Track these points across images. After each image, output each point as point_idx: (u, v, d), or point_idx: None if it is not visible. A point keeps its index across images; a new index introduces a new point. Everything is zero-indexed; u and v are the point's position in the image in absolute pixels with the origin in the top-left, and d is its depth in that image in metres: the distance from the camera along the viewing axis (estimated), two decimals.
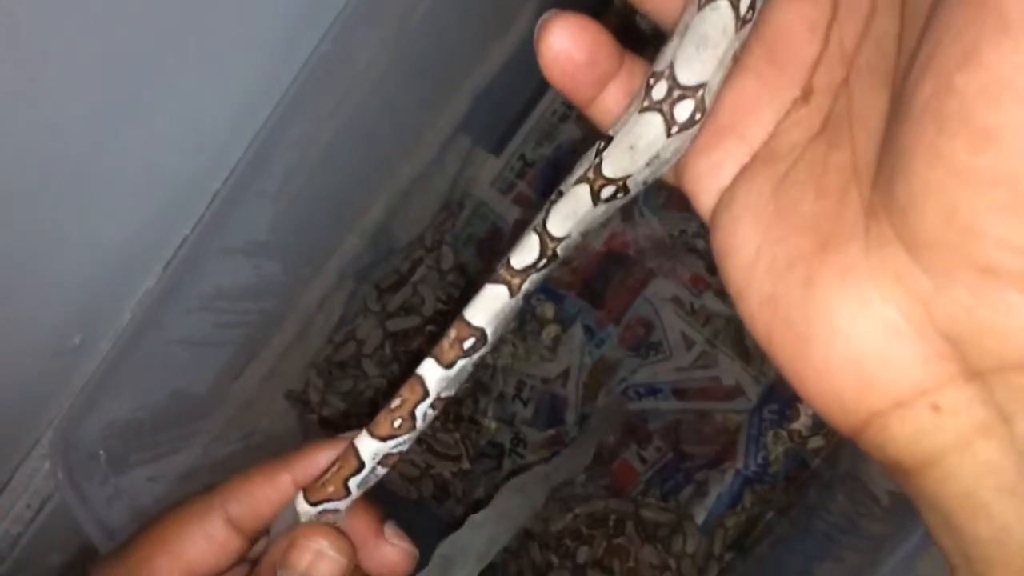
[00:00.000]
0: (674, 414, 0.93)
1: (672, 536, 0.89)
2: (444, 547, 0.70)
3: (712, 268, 0.92)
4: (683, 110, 0.25)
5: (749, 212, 0.24)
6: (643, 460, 0.93)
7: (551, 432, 0.96)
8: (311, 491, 0.32)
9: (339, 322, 0.90)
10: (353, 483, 0.32)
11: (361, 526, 0.35)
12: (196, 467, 0.71)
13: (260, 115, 0.56)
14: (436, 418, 0.85)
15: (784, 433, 0.88)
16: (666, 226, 0.93)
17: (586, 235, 0.29)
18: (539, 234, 0.28)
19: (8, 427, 0.63)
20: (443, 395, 0.31)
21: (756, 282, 0.23)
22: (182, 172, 0.58)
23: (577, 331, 0.95)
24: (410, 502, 0.92)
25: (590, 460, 0.92)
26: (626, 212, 0.94)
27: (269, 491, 0.34)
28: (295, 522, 0.34)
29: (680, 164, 0.27)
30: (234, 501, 0.35)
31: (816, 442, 0.87)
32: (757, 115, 0.25)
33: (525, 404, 0.96)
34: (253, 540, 0.36)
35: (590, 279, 0.95)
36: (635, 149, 0.26)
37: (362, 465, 0.31)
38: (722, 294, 0.92)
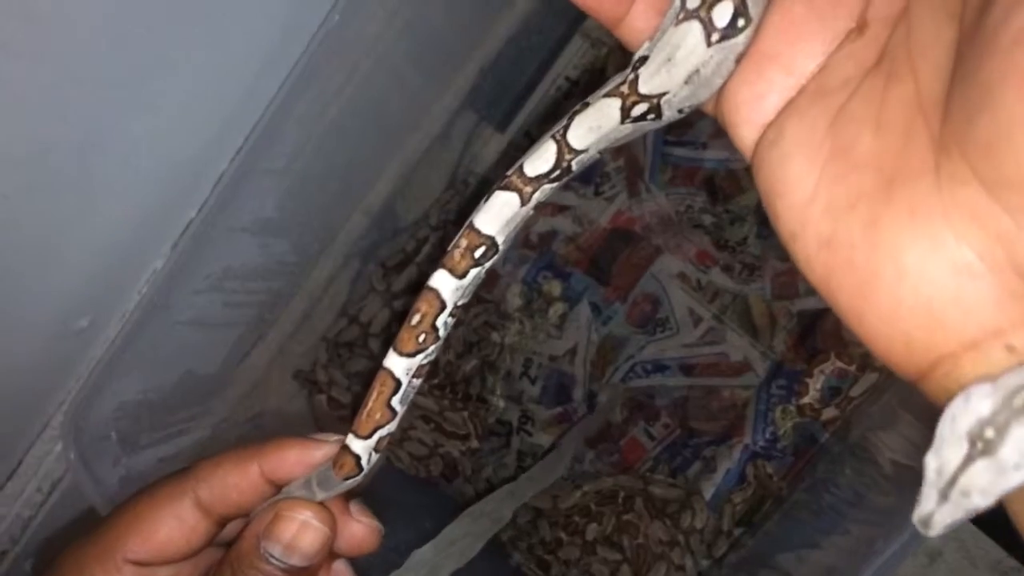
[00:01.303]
0: (682, 390, 0.93)
1: (681, 512, 0.89)
2: None
3: (719, 244, 0.91)
4: (722, 13, 0.23)
5: (801, 149, 0.23)
6: (651, 437, 0.93)
7: (559, 410, 0.96)
8: (360, 425, 0.32)
9: (346, 302, 0.90)
10: (395, 401, 0.32)
11: (329, 504, 0.36)
12: (206, 448, 0.71)
13: (266, 93, 0.56)
14: (445, 395, 0.84)
15: (792, 408, 0.88)
16: (672, 202, 0.93)
17: (603, 153, 0.28)
18: (557, 143, 0.27)
19: (18, 410, 0.63)
20: (459, 303, 0.30)
21: (813, 223, 0.22)
22: (188, 152, 0.58)
23: (584, 308, 0.95)
24: (419, 481, 0.92)
25: (564, 471, 0.92)
26: (632, 188, 0.94)
27: (239, 478, 0.35)
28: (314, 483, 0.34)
29: (720, 93, 0.26)
30: (205, 486, 0.35)
31: (829, 413, 0.86)
32: (805, 45, 0.24)
33: (533, 382, 0.96)
34: (222, 524, 0.36)
35: (596, 256, 0.95)
36: (673, 62, 0.24)
37: (399, 384, 0.32)
38: (729, 269, 0.91)
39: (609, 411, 0.93)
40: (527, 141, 0.93)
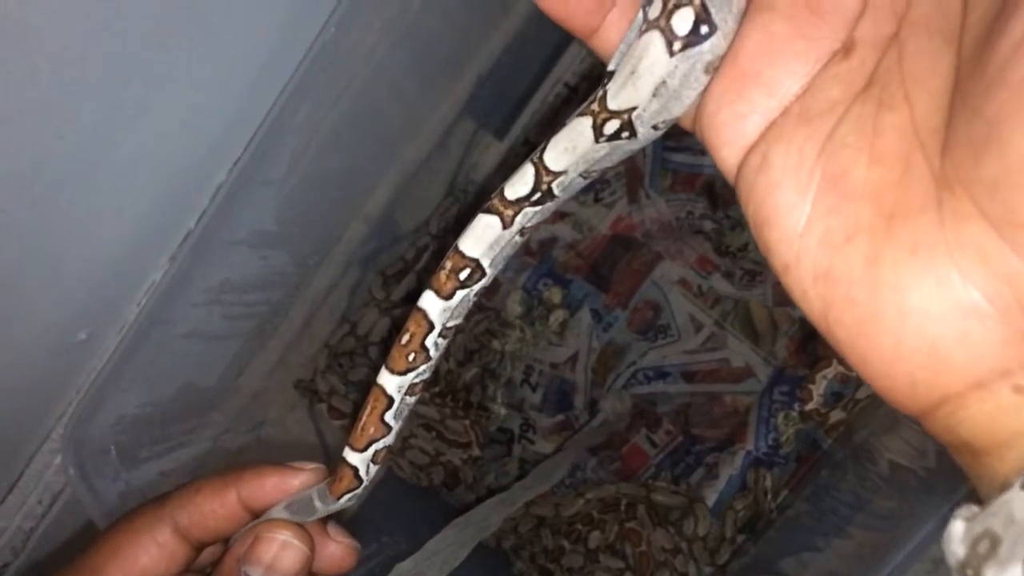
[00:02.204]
0: (683, 397, 0.92)
1: (684, 519, 0.88)
2: None
3: (720, 250, 0.91)
4: (682, 21, 0.22)
5: (790, 177, 0.22)
6: (653, 444, 0.93)
7: (560, 417, 0.95)
8: (355, 440, 0.33)
9: (345, 311, 0.90)
10: (389, 417, 0.32)
11: (308, 526, 0.36)
12: (207, 460, 0.70)
13: (263, 105, 0.56)
14: (446, 403, 0.84)
15: (795, 414, 0.88)
16: (672, 208, 0.93)
17: (587, 176, 0.27)
18: (535, 165, 0.27)
19: (18, 423, 0.63)
20: (449, 325, 0.31)
21: (809, 255, 0.21)
22: (186, 164, 0.58)
23: (585, 315, 0.95)
24: (420, 490, 0.92)
25: (559, 480, 0.91)
26: (632, 195, 0.94)
27: (216, 505, 0.36)
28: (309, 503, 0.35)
29: (698, 112, 0.25)
30: (183, 512, 0.36)
31: (836, 416, 0.86)
32: (788, 64, 0.23)
33: (534, 389, 0.96)
34: (199, 550, 0.37)
35: (597, 263, 0.95)
36: (637, 74, 0.24)
37: (391, 400, 0.32)
38: (730, 275, 0.91)
39: (615, 423, 0.93)
40: (526, 149, 0.93)
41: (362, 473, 0.34)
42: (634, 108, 0.24)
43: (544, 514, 0.92)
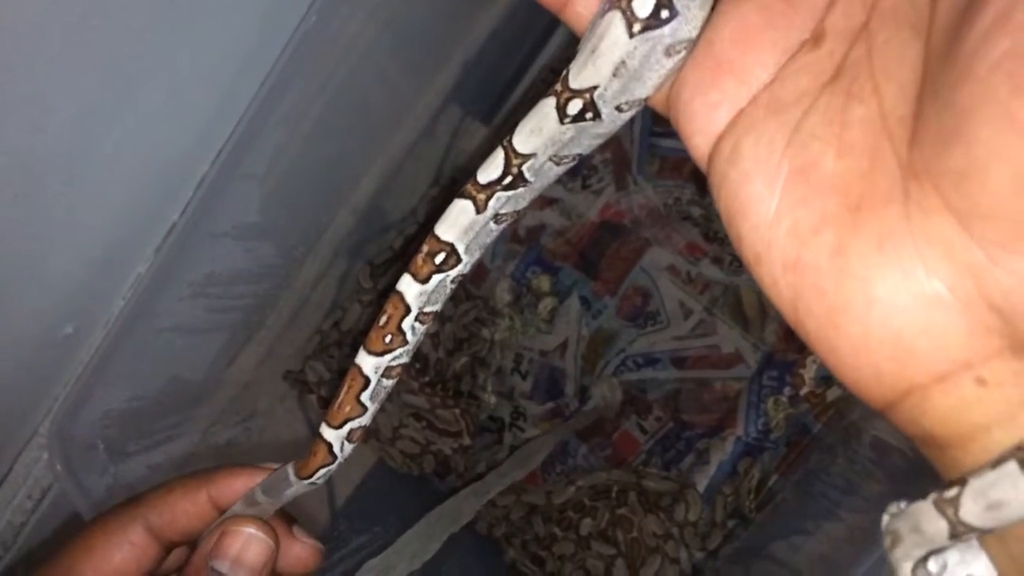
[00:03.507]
0: (673, 383, 0.93)
1: (674, 505, 0.89)
2: None
3: (708, 236, 0.91)
4: (643, 4, 0.22)
5: (760, 168, 0.22)
6: (643, 430, 0.93)
7: (551, 404, 0.95)
8: (332, 416, 0.33)
9: (334, 301, 0.89)
10: (365, 397, 0.33)
11: (274, 526, 0.37)
12: (195, 453, 0.70)
13: (246, 95, 0.55)
14: (436, 393, 0.84)
15: (784, 399, 0.88)
16: (660, 194, 0.93)
17: (560, 162, 0.27)
18: (504, 148, 0.27)
19: (5, 418, 0.63)
20: (426, 310, 0.31)
21: (778, 245, 0.21)
22: (169, 156, 0.57)
23: (574, 303, 0.95)
24: (412, 479, 0.92)
25: (537, 464, 0.92)
26: (620, 181, 0.93)
27: (187, 505, 0.37)
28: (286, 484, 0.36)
29: (673, 98, 0.25)
30: (155, 512, 0.37)
31: (834, 393, 0.86)
32: (759, 54, 0.23)
33: (524, 377, 0.96)
34: (169, 550, 0.38)
35: (585, 250, 0.95)
36: (597, 52, 0.24)
37: (368, 380, 0.32)
38: (719, 261, 0.91)
39: (605, 410, 0.93)
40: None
41: (336, 450, 0.34)
42: (595, 87, 0.24)
43: (535, 502, 0.92)
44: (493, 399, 0.96)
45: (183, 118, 0.56)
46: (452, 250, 0.29)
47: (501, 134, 0.92)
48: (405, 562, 0.70)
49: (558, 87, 0.25)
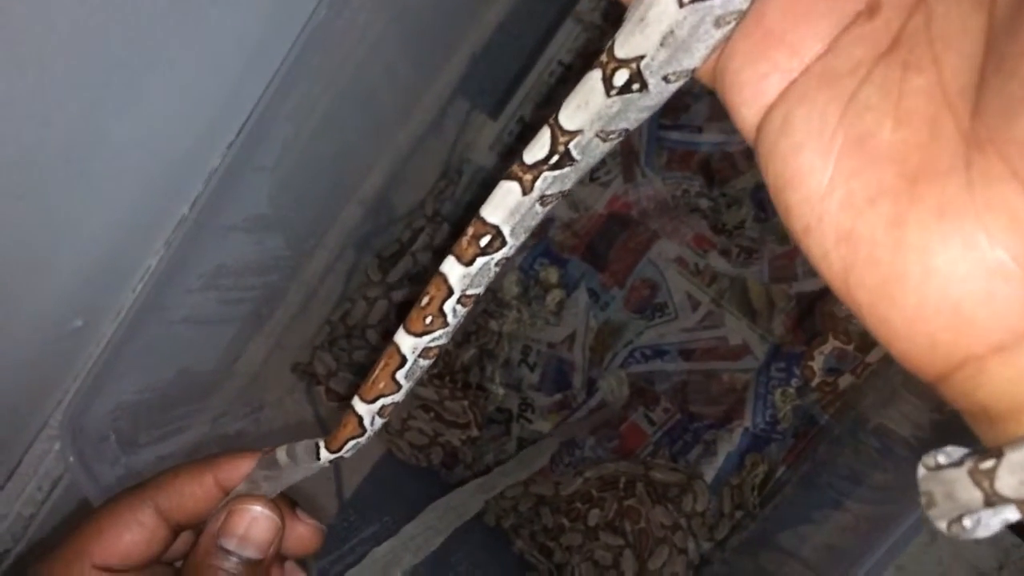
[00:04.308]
0: (681, 375, 0.93)
1: (682, 496, 0.89)
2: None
3: (716, 228, 0.91)
4: None
5: (813, 139, 0.22)
6: (651, 422, 0.93)
7: (558, 396, 0.95)
8: (365, 391, 0.33)
9: (342, 293, 0.89)
10: (400, 376, 0.33)
11: (279, 506, 0.38)
12: (205, 443, 0.71)
13: (256, 88, 0.55)
14: (444, 384, 0.84)
15: (792, 391, 0.88)
16: (669, 186, 0.92)
17: (607, 138, 0.26)
18: (551, 127, 0.26)
19: (15, 410, 0.63)
20: (469, 292, 0.30)
21: (831, 217, 0.21)
22: (178, 149, 0.57)
23: (582, 295, 0.95)
24: (420, 470, 0.92)
25: (543, 464, 0.92)
26: (628, 173, 0.93)
27: (194, 487, 0.37)
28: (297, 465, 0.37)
29: (720, 70, 0.24)
30: (163, 495, 0.37)
31: (847, 380, 0.86)
32: (812, 25, 0.22)
33: (532, 369, 0.96)
34: (177, 533, 0.38)
35: (593, 242, 0.95)
36: (646, 21, 0.23)
37: (404, 359, 0.32)
38: (727, 253, 0.91)
39: (613, 404, 0.93)
40: (520, 128, 0.93)
41: (366, 423, 0.34)
42: (642, 56, 0.24)
43: (543, 493, 0.92)
44: (501, 391, 0.96)
45: (193, 111, 0.56)
46: (497, 233, 0.29)
47: (509, 127, 0.92)
48: (410, 554, 0.70)
49: (603, 58, 0.25)
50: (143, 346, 0.58)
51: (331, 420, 0.87)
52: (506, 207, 0.28)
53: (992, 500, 0.19)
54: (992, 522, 0.19)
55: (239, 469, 0.38)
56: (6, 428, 0.64)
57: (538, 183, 0.27)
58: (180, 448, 0.67)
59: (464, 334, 0.94)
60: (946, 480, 0.20)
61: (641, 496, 0.89)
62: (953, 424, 0.22)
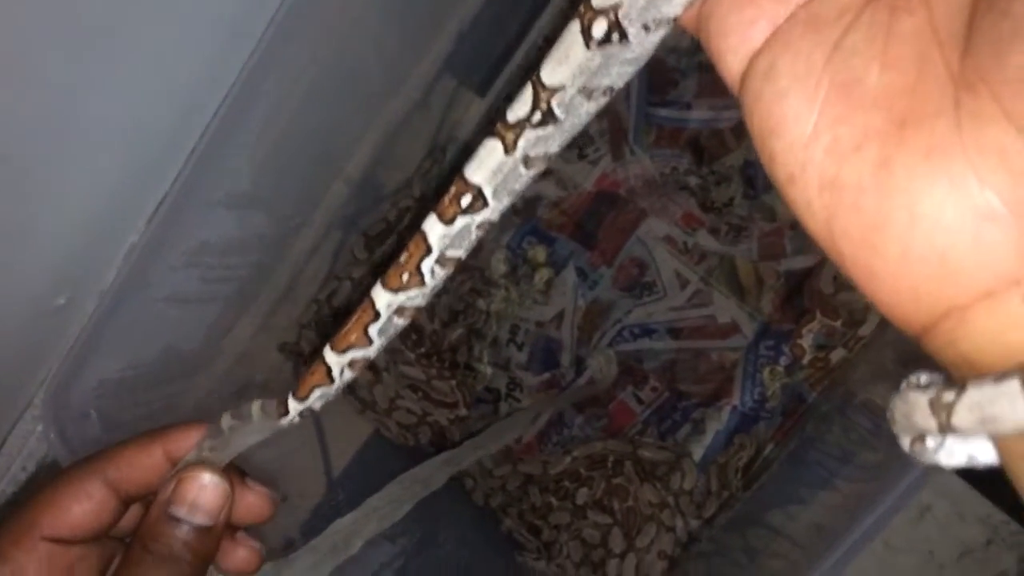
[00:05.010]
0: (669, 354, 0.93)
1: (670, 474, 0.89)
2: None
3: (705, 206, 0.91)
4: None
5: (798, 85, 0.21)
6: (640, 400, 0.93)
7: (547, 375, 0.95)
8: (336, 341, 0.33)
9: (328, 272, 0.89)
10: (373, 331, 0.32)
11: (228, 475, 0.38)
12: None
13: (237, 61, 0.54)
14: (432, 364, 0.84)
15: (780, 369, 0.88)
16: (657, 164, 0.92)
17: (590, 95, 0.26)
18: (532, 83, 0.26)
19: None
20: (448, 253, 0.30)
21: (815, 164, 0.21)
22: (159, 125, 0.57)
23: (570, 273, 0.95)
24: (408, 450, 0.92)
25: (517, 436, 0.92)
26: (616, 151, 0.93)
27: (144, 459, 0.38)
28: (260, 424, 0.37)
29: (705, 16, 0.24)
30: (112, 466, 0.38)
31: (838, 355, 0.86)
32: None
33: (520, 348, 0.96)
34: (127, 504, 0.39)
35: (581, 220, 0.94)
36: None
37: (378, 315, 0.32)
38: (715, 231, 0.91)
39: (601, 382, 0.93)
40: (507, 105, 0.92)
41: (335, 374, 0.34)
42: (618, 5, 0.23)
43: (532, 472, 0.92)
44: (489, 370, 0.96)
45: (171, 85, 0.56)
46: (479, 193, 0.28)
47: (497, 104, 0.91)
48: (372, 524, 0.70)
49: (581, 8, 0.24)
50: (126, 324, 0.58)
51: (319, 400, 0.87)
52: (488, 166, 0.28)
53: (945, 432, 0.19)
54: (957, 450, 0.19)
55: (188, 440, 0.38)
56: None
57: (521, 142, 0.27)
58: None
59: (451, 313, 0.94)
60: (908, 401, 0.20)
61: (629, 475, 0.89)
62: None
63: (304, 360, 0.88)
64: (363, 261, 0.90)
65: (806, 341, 0.86)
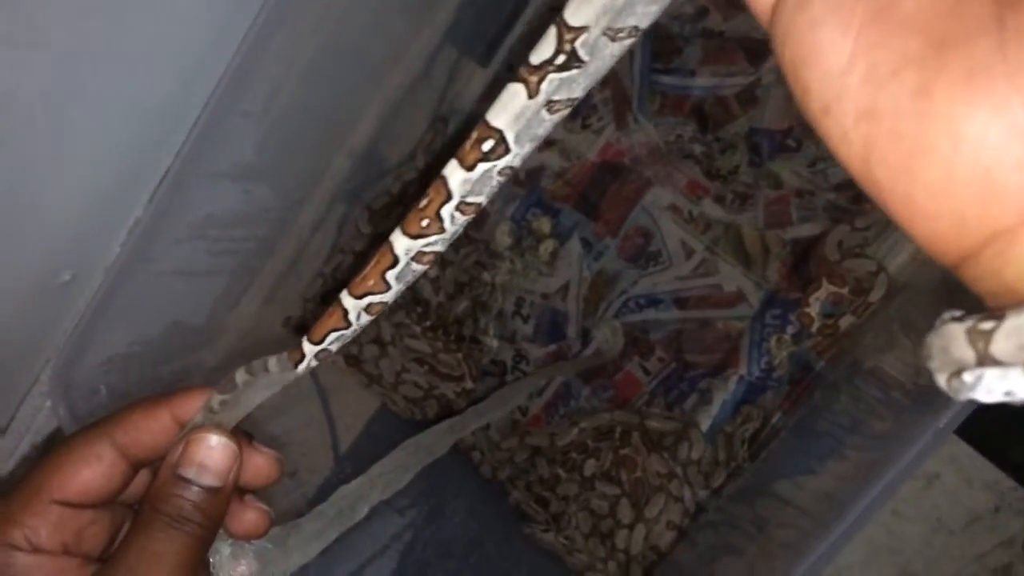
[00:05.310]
0: (675, 324, 0.92)
1: (678, 444, 0.89)
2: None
3: (710, 173, 0.90)
4: None
5: (832, 14, 0.21)
6: (646, 371, 0.93)
7: (553, 347, 0.95)
8: (354, 286, 0.33)
9: (333, 246, 0.89)
10: (391, 276, 0.32)
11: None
12: None
13: (239, 32, 0.54)
14: (438, 337, 0.83)
15: (788, 337, 0.88)
16: (661, 132, 0.91)
17: (615, 36, 0.25)
18: (556, 24, 0.25)
19: (6, 367, 0.63)
20: (468, 199, 0.30)
21: (851, 94, 0.20)
22: (161, 97, 0.56)
23: (575, 244, 0.94)
24: (415, 423, 0.92)
25: (520, 402, 0.92)
26: (620, 120, 0.92)
27: (151, 422, 0.38)
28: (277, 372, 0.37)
29: None
30: (120, 430, 0.38)
31: (847, 321, 0.85)
32: None
33: (525, 320, 0.96)
34: (135, 469, 0.39)
35: (585, 191, 0.94)
36: None
37: (396, 260, 0.32)
38: (721, 200, 0.90)
39: (607, 353, 0.93)
40: (511, 76, 0.91)
41: (351, 317, 0.34)
42: None
43: (539, 444, 0.92)
44: (495, 343, 0.95)
45: (173, 58, 0.55)
46: (501, 138, 0.28)
47: (499, 75, 0.90)
48: (377, 490, 0.70)
49: None
50: (133, 298, 0.57)
51: (323, 372, 0.87)
52: (511, 110, 0.27)
53: (985, 362, 0.18)
54: (996, 386, 0.18)
55: (194, 403, 0.38)
56: None
57: (544, 85, 0.26)
58: None
59: (457, 286, 0.93)
60: (944, 334, 0.19)
61: (637, 445, 0.89)
62: None
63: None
64: (367, 235, 0.89)
65: (813, 309, 0.86)
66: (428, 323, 0.90)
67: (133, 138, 0.57)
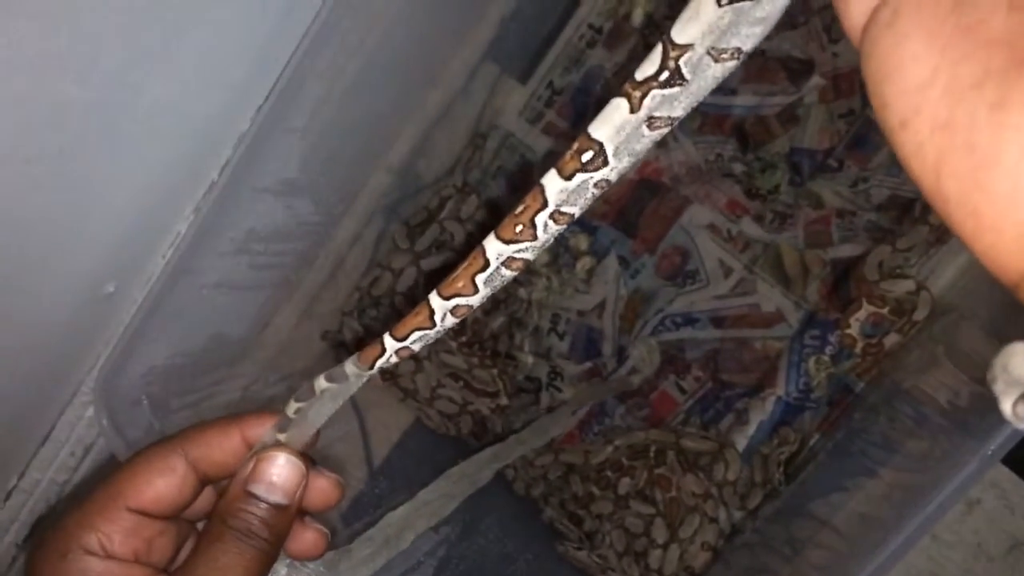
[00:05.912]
0: (712, 343, 0.92)
1: (713, 464, 0.88)
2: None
3: (750, 193, 0.90)
4: None
5: (921, 30, 0.21)
6: (682, 390, 0.92)
7: (588, 365, 0.95)
8: (443, 287, 0.34)
9: (371, 260, 0.89)
10: (480, 279, 0.33)
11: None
12: (237, 410, 0.71)
13: (285, 51, 0.54)
14: (473, 353, 0.83)
15: (827, 358, 0.87)
16: (701, 151, 0.91)
17: (718, 57, 0.26)
18: (662, 42, 0.26)
19: (49, 376, 0.63)
20: (563, 209, 0.30)
21: (929, 106, 0.21)
22: (209, 112, 0.57)
23: (612, 262, 0.94)
24: (449, 439, 0.92)
25: (561, 432, 0.92)
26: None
27: (223, 440, 0.39)
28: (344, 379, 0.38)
29: None
30: (192, 445, 0.38)
31: (892, 339, 0.84)
32: None
33: (561, 337, 0.95)
34: (204, 484, 0.39)
35: (624, 208, 0.93)
36: None
37: (487, 263, 0.32)
38: (760, 219, 0.90)
39: (643, 372, 0.92)
40: (550, 93, 0.91)
41: (437, 318, 0.34)
42: None
43: (573, 461, 0.92)
44: (530, 359, 0.95)
45: (222, 73, 0.56)
46: (600, 150, 0.28)
47: (538, 92, 0.91)
48: (424, 519, 0.71)
49: None
50: (174, 311, 0.58)
51: (360, 387, 0.87)
52: (612, 124, 0.27)
53: None
54: None
55: (264, 425, 0.39)
56: (39, 394, 0.64)
57: (646, 101, 0.27)
58: (213, 414, 0.67)
59: (493, 302, 0.93)
60: (1008, 352, 0.19)
61: (672, 465, 0.88)
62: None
63: (346, 348, 0.88)
64: (404, 250, 0.90)
65: (854, 330, 0.85)
66: (464, 339, 0.90)
67: (179, 153, 0.57)
